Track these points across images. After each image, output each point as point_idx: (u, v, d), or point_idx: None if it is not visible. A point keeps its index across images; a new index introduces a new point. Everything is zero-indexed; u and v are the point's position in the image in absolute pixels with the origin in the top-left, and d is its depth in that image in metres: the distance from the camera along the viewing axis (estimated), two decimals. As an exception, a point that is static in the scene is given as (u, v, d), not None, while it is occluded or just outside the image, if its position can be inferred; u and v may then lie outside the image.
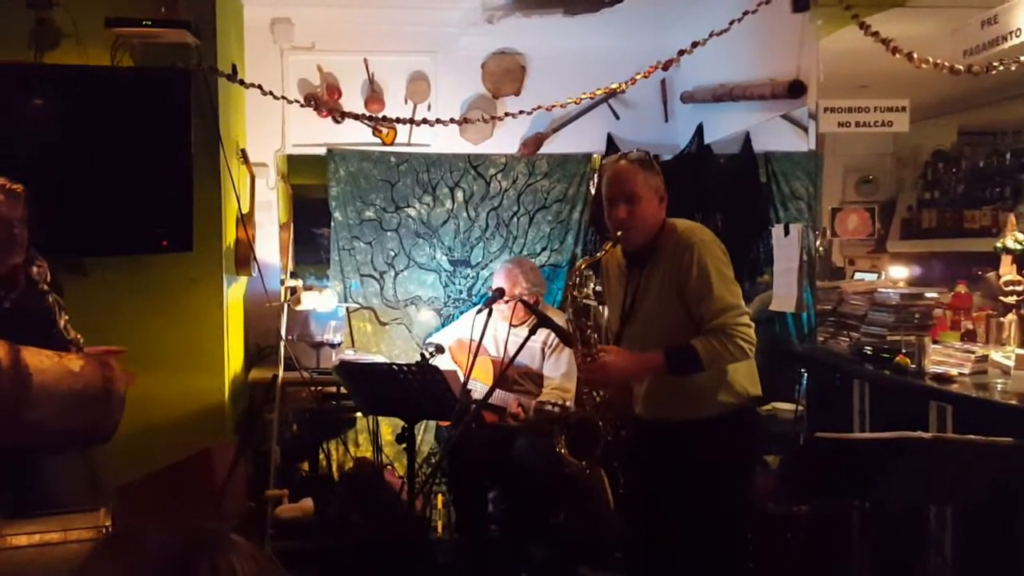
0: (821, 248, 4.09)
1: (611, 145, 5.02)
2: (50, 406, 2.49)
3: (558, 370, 4.07)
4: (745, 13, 3.66)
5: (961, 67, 3.06)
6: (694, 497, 2.72)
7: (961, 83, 3.20)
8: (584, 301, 2.85)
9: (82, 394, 2.56)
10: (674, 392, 2.76)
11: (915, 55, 3.12)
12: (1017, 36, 2.95)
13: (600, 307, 3.54)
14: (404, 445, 3.38)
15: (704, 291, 2.67)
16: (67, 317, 2.80)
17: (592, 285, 3.44)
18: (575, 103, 4.30)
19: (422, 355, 4.01)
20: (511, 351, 3.36)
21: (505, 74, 5.03)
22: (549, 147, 5.06)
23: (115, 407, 2.65)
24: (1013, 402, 2.83)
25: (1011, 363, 3.14)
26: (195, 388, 3.83)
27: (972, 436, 2.23)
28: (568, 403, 3.75)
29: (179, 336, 3.81)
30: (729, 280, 2.73)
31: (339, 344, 4.46)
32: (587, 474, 2.83)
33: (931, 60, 3.11)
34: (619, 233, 2.75)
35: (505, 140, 5.02)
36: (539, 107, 4.19)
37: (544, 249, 4.99)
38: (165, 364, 3.73)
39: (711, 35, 3.72)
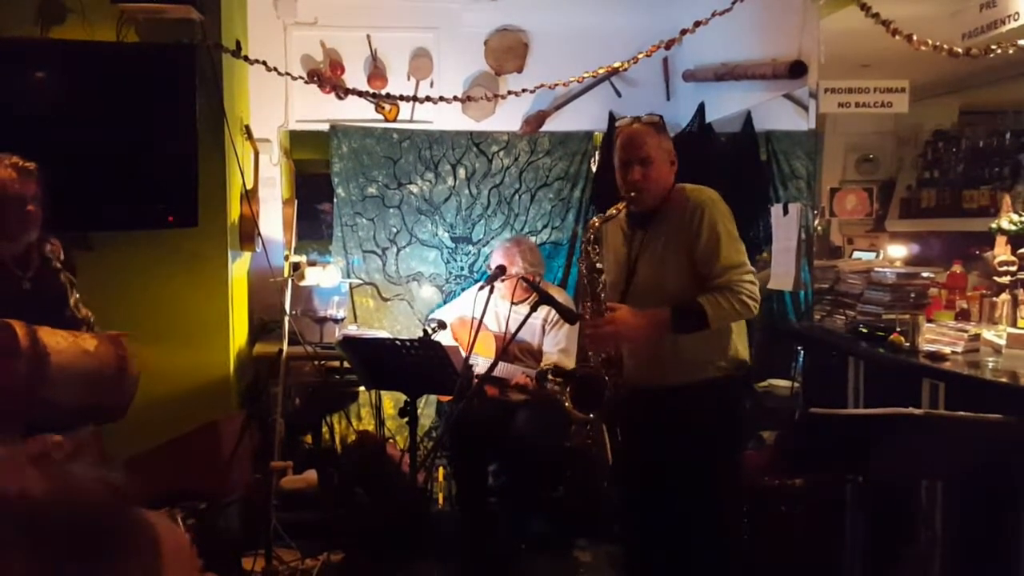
0: (820, 227, 4.13)
1: (613, 123, 5.02)
2: (66, 386, 2.50)
3: (556, 346, 4.10)
4: (747, -8, 3.68)
5: (960, 50, 3.08)
6: (686, 463, 2.75)
7: (963, 63, 3.21)
8: (596, 259, 2.87)
9: (97, 373, 2.57)
10: (667, 356, 2.79)
11: (915, 37, 3.14)
12: (1015, 20, 2.96)
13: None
14: (406, 419, 3.42)
15: (713, 251, 2.74)
16: (78, 296, 2.78)
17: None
18: (577, 81, 4.30)
19: (424, 331, 4.06)
20: (512, 328, 3.40)
21: (508, 51, 5.03)
22: (551, 125, 5.06)
23: (128, 386, 2.66)
24: (1004, 380, 2.88)
25: (1003, 342, 3.19)
26: (201, 362, 3.88)
27: (963, 412, 2.27)
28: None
29: (184, 311, 3.85)
30: (735, 238, 2.81)
31: (342, 319, 4.51)
32: (589, 429, 2.85)
33: (930, 42, 3.12)
34: (632, 194, 2.81)
35: (507, 117, 5.02)
36: (541, 85, 4.21)
37: (545, 227, 5.01)
38: (171, 338, 3.77)
39: (713, 14, 3.73)
